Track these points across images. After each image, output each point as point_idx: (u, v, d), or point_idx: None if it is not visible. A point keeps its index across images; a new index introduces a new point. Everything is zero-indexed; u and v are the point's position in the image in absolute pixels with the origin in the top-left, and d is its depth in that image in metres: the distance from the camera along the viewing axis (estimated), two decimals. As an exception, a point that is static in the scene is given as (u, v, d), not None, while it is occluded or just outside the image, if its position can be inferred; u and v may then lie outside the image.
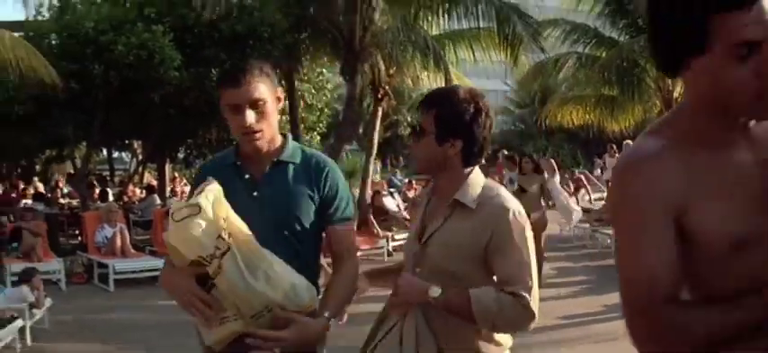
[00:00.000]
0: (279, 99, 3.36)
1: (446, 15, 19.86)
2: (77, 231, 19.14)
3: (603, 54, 24.22)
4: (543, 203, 13.27)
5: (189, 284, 3.06)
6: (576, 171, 33.62)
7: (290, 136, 3.50)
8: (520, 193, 13.36)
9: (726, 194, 1.94)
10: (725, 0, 1.81)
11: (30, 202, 20.59)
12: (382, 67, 19.91)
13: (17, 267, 12.60)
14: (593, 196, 24.66)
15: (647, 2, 1.96)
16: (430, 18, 20.17)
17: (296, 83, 21.41)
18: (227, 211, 3.07)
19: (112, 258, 13.85)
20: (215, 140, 19.52)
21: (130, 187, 25.83)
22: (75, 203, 21.88)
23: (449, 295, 3.12)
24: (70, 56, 15.67)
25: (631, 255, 2.01)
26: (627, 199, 2.04)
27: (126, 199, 22.71)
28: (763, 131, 1.96)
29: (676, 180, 1.95)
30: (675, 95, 24.25)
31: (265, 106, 3.27)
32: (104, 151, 30.88)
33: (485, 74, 26.12)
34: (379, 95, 20.47)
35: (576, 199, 21.34)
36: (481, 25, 20.10)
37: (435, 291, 3.12)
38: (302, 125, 23.03)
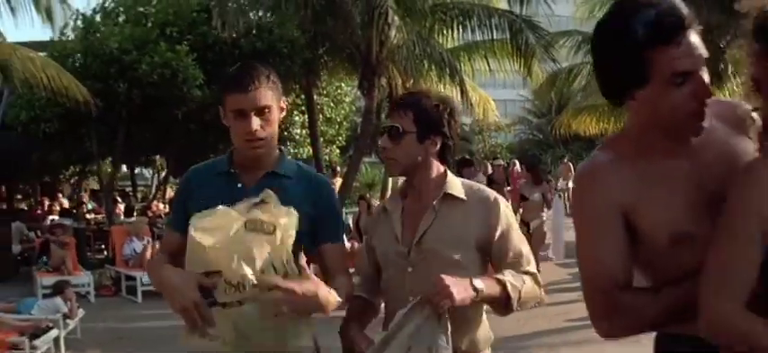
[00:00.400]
0: (282, 109, 3.30)
1: (460, 28, 20.20)
2: (103, 246, 19.61)
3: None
4: (544, 214, 13.42)
5: (194, 293, 2.95)
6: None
7: (285, 150, 3.49)
8: (522, 200, 13.63)
9: (666, 199, 2.33)
10: (656, 37, 2.17)
11: (56, 218, 21.07)
12: (399, 81, 20.28)
13: (48, 280, 13.10)
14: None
15: (591, 41, 2.35)
16: (445, 31, 20.53)
17: (315, 97, 21.76)
18: (288, 253, 2.98)
19: (141, 271, 14.15)
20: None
21: (154, 203, 26.28)
22: (99, 217, 22.36)
23: (487, 284, 3.12)
24: (94, 75, 16.08)
25: (589, 248, 2.44)
26: (584, 202, 2.48)
27: (150, 214, 23.18)
28: (700, 143, 2.33)
29: (625, 186, 2.35)
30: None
31: (270, 114, 3.23)
32: (124, 168, 31.39)
33: (502, 84, 26.36)
34: (392, 105, 20.84)
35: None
36: (495, 37, 20.44)
37: (479, 283, 3.09)
38: (322, 139, 23.34)
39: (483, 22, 19.65)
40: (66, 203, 26.09)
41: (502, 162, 19.14)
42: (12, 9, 19.39)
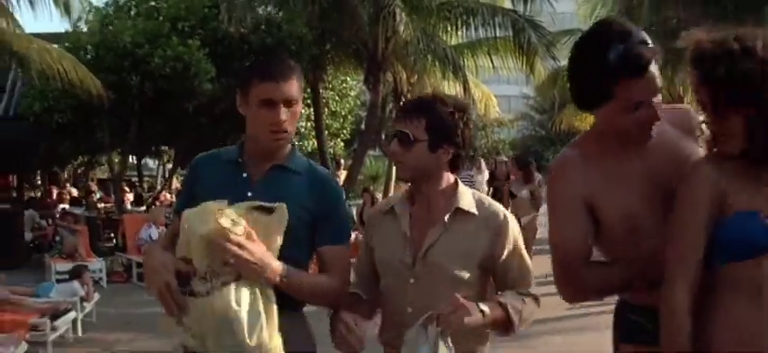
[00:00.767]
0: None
1: (464, 26, 20.69)
2: (112, 234, 20.02)
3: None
4: (532, 211, 13.44)
5: (169, 276, 2.97)
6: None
7: (296, 146, 3.44)
8: (510, 198, 13.91)
9: (622, 192, 2.84)
10: (622, 71, 2.64)
11: (66, 206, 21.51)
12: (404, 76, 20.74)
13: (62, 266, 13.54)
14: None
15: (569, 62, 2.80)
16: (449, 29, 21.01)
17: (320, 91, 22.21)
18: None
19: (153, 258, 14.52)
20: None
21: (163, 193, 26.71)
22: (108, 207, 22.76)
23: (491, 307, 3.08)
24: (108, 68, 16.47)
25: (557, 230, 2.99)
26: (555, 192, 3.02)
27: (158, 204, 23.61)
28: (653, 144, 2.81)
29: (588, 181, 2.87)
30: (686, 100, 24.97)
31: (296, 107, 3.21)
32: (132, 158, 31.87)
33: (505, 81, 26.70)
34: (401, 103, 21.27)
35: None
36: (498, 35, 20.93)
37: (485, 307, 3.06)
38: (326, 132, 23.76)
39: (487, 21, 20.15)
40: (74, 193, 26.49)
41: (505, 158, 19.43)
42: (31, 2, 19.76)
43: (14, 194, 21.29)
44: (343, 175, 21.46)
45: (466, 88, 20.20)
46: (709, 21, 20.93)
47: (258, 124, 3.19)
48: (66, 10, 25.14)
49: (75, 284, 10.83)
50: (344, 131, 29.24)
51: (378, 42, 18.16)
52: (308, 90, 21.05)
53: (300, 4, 18.51)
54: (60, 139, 19.11)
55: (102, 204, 23.17)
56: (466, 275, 3.20)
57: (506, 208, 3.49)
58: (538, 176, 14.18)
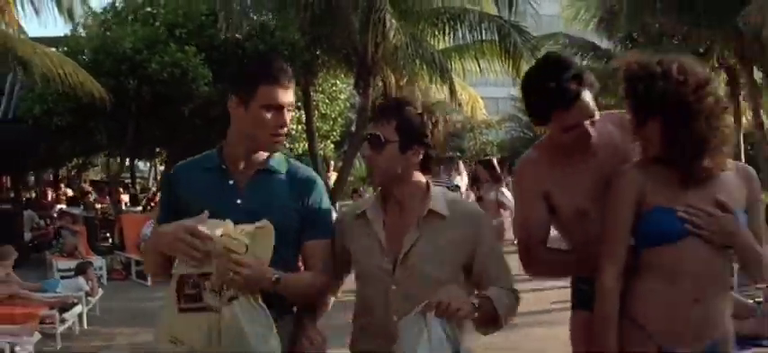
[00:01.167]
0: None
1: (452, 32, 21.18)
2: (108, 234, 20.50)
3: (600, 66, 25.49)
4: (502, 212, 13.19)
5: (185, 224, 3.03)
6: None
7: (287, 148, 3.76)
8: (478, 201, 14.13)
9: (571, 186, 3.47)
10: (557, 105, 3.28)
11: (64, 207, 21.99)
12: (393, 80, 21.27)
13: (64, 264, 14.10)
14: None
15: (521, 87, 3.41)
16: (437, 34, 21.43)
17: (311, 94, 22.62)
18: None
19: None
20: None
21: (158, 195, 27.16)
22: (103, 207, 23.21)
23: (481, 302, 3.15)
24: (106, 72, 16.87)
25: (520, 217, 3.71)
26: (518, 186, 3.72)
27: (153, 205, 24.08)
28: (599, 144, 3.41)
29: (544, 177, 3.52)
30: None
31: (291, 111, 3.28)
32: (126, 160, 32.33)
33: (493, 82, 27.20)
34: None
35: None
36: (485, 39, 21.39)
37: (476, 301, 3.13)
38: (316, 134, 24.17)
39: (473, 26, 20.68)
40: (70, 193, 26.94)
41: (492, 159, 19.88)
42: (35, 10, 20.21)
43: (12, 195, 21.77)
44: (333, 176, 22.00)
45: (452, 91, 20.81)
46: (685, 27, 21.64)
47: (260, 126, 3.22)
48: (70, 16, 25.59)
49: (80, 279, 11.39)
50: (334, 134, 29.47)
51: (368, 48, 18.53)
52: (300, 93, 21.57)
53: (293, 11, 19.01)
54: (59, 141, 19.52)
55: (99, 205, 23.64)
56: (445, 276, 3.21)
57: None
58: (509, 179, 14.34)
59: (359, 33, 18.76)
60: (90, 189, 27.20)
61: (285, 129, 3.25)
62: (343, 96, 28.52)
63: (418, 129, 3.27)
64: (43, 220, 20.31)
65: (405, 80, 21.44)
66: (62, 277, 12.64)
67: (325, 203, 3.48)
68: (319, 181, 3.50)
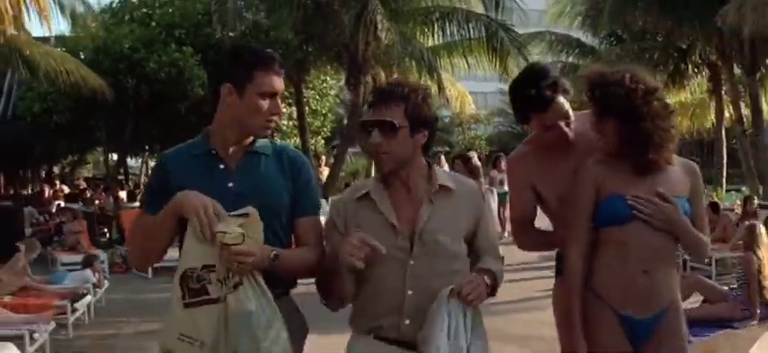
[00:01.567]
0: None
1: (441, 30, 21.87)
2: (105, 230, 20.88)
3: (585, 62, 26.08)
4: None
5: (208, 199, 3.10)
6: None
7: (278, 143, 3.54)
8: None
9: (554, 177, 4.00)
10: (534, 109, 3.84)
11: (62, 203, 22.42)
12: (383, 77, 21.76)
13: (68, 258, 14.59)
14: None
15: (508, 91, 4.00)
16: (426, 32, 22.14)
17: (302, 90, 23.24)
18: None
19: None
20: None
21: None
22: (100, 203, 23.62)
23: (489, 277, 3.33)
24: (105, 71, 17.33)
25: (512, 202, 4.31)
26: (510, 177, 4.35)
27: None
28: (578, 141, 3.93)
29: (532, 169, 4.08)
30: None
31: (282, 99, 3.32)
32: (115, 156, 32.74)
33: (482, 77, 27.75)
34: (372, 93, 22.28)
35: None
36: (472, 37, 22.12)
37: (488, 279, 3.31)
38: (307, 129, 24.74)
39: (461, 25, 21.36)
40: (66, 190, 27.33)
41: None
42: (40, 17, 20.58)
43: (12, 192, 22.14)
44: (325, 171, 22.47)
45: (441, 87, 21.37)
46: (668, 25, 22.19)
47: (255, 113, 3.26)
48: (73, 19, 25.99)
49: (88, 272, 11.86)
50: (325, 129, 30.04)
51: (359, 46, 19.06)
52: (292, 90, 22.05)
53: (286, 10, 19.52)
54: (57, 138, 19.94)
55: (97, 201, 24.06)
56: (457, 247, 3.36)
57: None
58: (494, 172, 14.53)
59: (350, 32, 19.27)
60: (85, 186, 27.56)
61: (278, 115, 3.33)
62: (332, 92, 28.97)
63: (424, 112, 3.34)
64: (42, 216, 20.71)
65: (394, 76, 21.93)
66: (68, 271, 13.04)
67: (313, 180, 3.55)
68: (306, 159, 3.57)
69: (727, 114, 24.89)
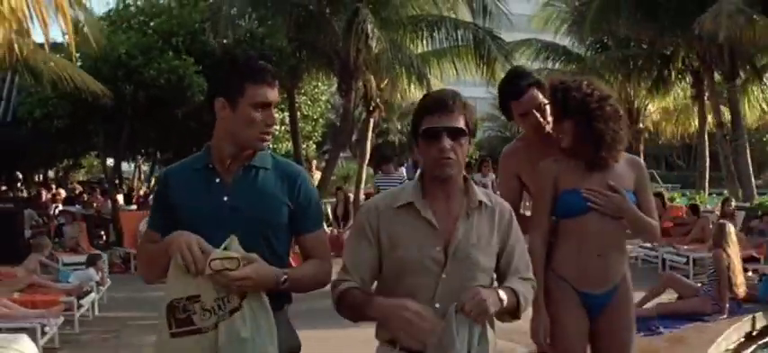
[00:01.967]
0: None
1: (430, 38, 22.44)
2: (102, 232, 21.31)
3: (571, 68, 26.69)
4: None
5: (194, 237, 3.12)
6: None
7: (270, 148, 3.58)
8: None
9: (534, 170, 4.50)
10: (514, 96, 4.48)
11: (60, 206, 22.90)
12: (374, 84, 22.36)
13: (68, 258, 15.09)
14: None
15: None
16: (416, 39, 22.64)
17: (295, 96, 23.68)
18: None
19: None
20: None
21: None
22: (97, 205, 24.04)
23: (507, 295, 3.27)
24: (104, 77, 17.64)
25: (501, 190, 4.79)
26: (500, 168, 4.84)
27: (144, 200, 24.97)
28: (556, 142, 4.46)
29: (519, 163, 4.67)
30: (636, 104, 26.86)
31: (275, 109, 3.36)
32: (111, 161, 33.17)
33: (472, 83, 28.28)
34: (371, 108, 22.91)
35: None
36: (461, 44, 22.56)
37: (503, 295, 3.23)
38: (300, 134, 25.12)
39: (450, 33, 21.87)
40: (62, 193, 27.77)
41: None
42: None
43: (11, 194, 22.54)
44: (316, 175, 22.92)
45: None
46: (650, 32, 22.78)
47: (249, 126, 3.26)
48: (75, 27, 26.34)
49: (91, 270, 12.36)
50: (316, 134, 30.54)
51: (350, 53, 19.51)
52: (285, 96, 22.53)
53: (280, 19, 20.03)
54: (56, 142, 20.29)
55: (95, 204, 24.49)
56: (488, 264, 3.35)
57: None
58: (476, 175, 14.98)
59: (342, 40, 19.77)
60: (81, 189, 28.02)
61: (272, 127, 3.33)
62: (323, 98, 29.44)
63: (475, 121, 3.40)
64: (41, 218, 21.14)
65: (385, 83, 22.54)
66: (73, 271, 13.50)
67: (315, 193, 3.54)
68: (306, 174, 3.56)
69: (709, 119, 25.41)
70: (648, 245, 15.32)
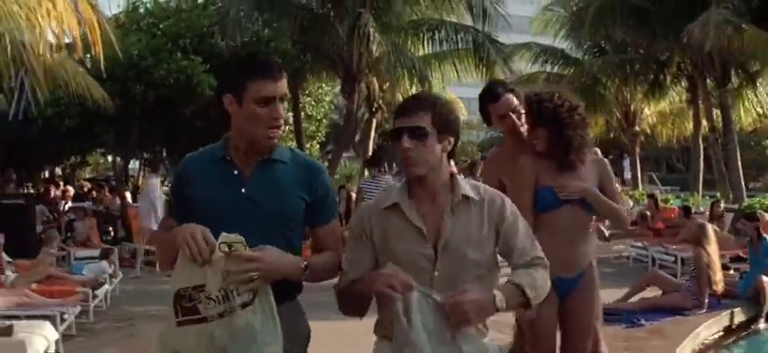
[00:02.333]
0: None
1: (430, 41, 23.03)
2: (110, 228, 21.80)
3: (569, 72, 27.20)
4: None
5: (198, 227, 3.09)
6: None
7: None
8: None
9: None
10: (491, 100, 5.10)
11: (70, 202, 23.44)
12: (376, 85, 22.92)
13: (80, 252, 15.64)
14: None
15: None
16: (417, 43, 23.30)
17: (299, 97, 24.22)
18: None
19: (160, 245, 16.43)
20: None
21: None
22: (105, 202, 24.50)
23: (507, 296, 3.20)
24: (114, 77, 18.11)
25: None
26: (483, 174, 5.43)
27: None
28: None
29: (500, 166, 5.19)
30: (633, 107, 27.35)
31: (285, 103, 3.31)
32: (118, 159, 33.59)
33: (473, 84, 28.76)
34: (374, 109, 23.49)
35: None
36: (461, 47, 23.23)
37: (501, 302, 3.16)
38: (303, 134, 25.78)
39: (450, 36, 22.43)
40: (71, 190, 28.23)
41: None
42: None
43: (22, 190, 22.97)
44: (321, 176, 23.40)
45: (430, 95, 22.36)
46: (645, 39, 23.25)
47: (255, 122, 3.23)
48: (91, 29, 26.77)
49: (104, 263, 12.93)
50: (320, 134, 31.00)
51: (353, 56, 20.14)
52: (290, 96, 23.02)
53: (285, 22, 20.59)
54: (67, 141, 20.78)
55: (104, 200, 24.98)
56: (482, 257, 3.33)
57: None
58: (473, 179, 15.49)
59: (345, 43, 20.36)
60: (90, 186, 28.45)
61: (281, 120, 3.27)
62: (327, 99, 29.89)
63: (450, 118, 3.36)
64: (52, 213, 21.63)
65: (387, 85, 23.10)
66: (86, 264, 14.00)
67: (331, 188, 3.55)
68: (323, 167, 3.58)
69: (704, 123, 25.86)
70: (639, 244, 15.99)
